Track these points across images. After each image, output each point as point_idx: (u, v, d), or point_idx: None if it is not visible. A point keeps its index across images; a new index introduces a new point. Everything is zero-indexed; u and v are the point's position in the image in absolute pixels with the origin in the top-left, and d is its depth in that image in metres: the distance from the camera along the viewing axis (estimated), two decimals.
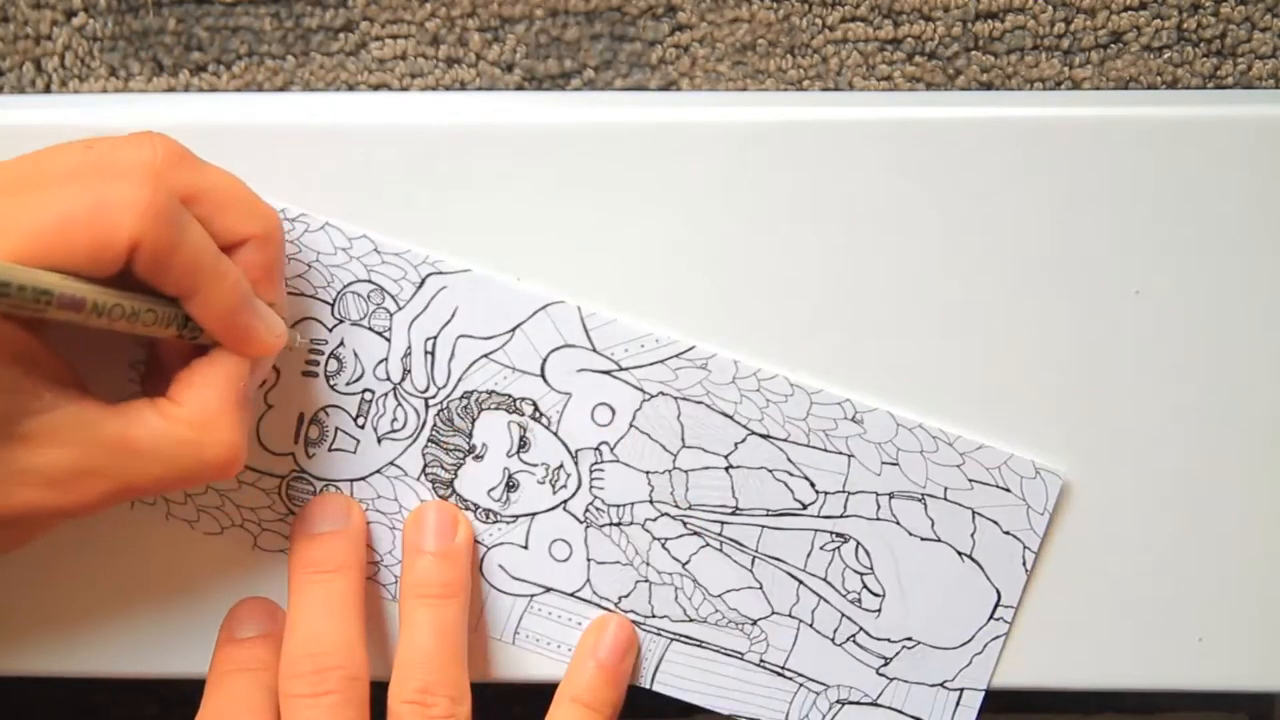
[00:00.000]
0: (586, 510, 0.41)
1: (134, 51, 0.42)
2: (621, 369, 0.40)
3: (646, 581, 0.41)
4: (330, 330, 0.40)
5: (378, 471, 0.41)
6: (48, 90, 0.43)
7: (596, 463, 0.41)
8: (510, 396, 0.40)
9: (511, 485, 0.41)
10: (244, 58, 0.42)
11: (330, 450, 0.40)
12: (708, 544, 0.41)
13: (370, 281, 0.40)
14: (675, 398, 0.40)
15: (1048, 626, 0.42)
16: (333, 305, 0.40)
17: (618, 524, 0.41)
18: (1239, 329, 0.40)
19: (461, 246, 0.40)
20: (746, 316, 0.40)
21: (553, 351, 0.40)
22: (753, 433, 0.40)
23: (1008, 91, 0.42)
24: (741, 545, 0.41)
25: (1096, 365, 0.40)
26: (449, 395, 0.40)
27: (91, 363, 0.36)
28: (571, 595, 0.41)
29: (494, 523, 0.41)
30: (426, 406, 0.40)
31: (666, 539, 0.41)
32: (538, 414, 0.40)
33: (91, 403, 0.34)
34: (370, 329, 0.40)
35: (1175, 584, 0.41)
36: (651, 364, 0.40)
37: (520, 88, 0.42)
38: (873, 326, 0.40)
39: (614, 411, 0.40)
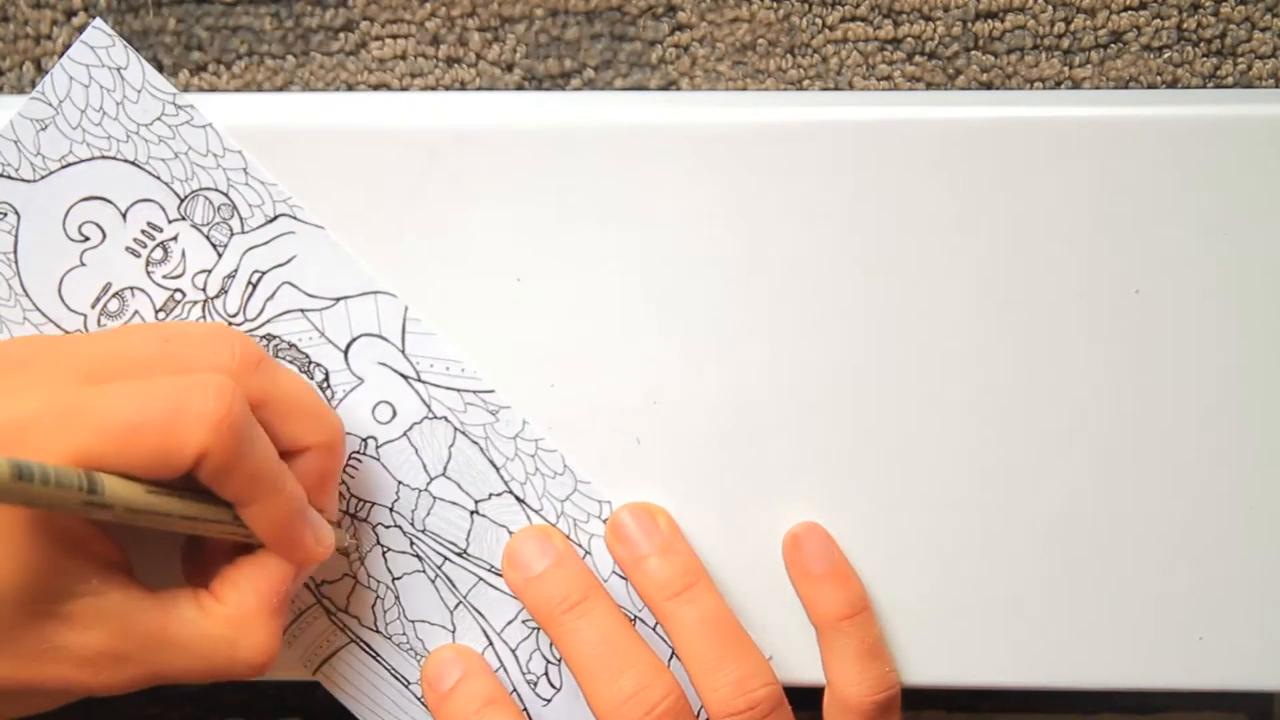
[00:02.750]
0: None
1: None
2: (419, 379, 0.40)
3: (354, 578, 0.41)
4: (170, 223, 0.40)
5: None
6: None
7: (357, 452, 0.41)
8: (307, 357, 0.40)
9: None
10: (244, 58, 0.42)
11: None
12: (424, 571, 0.41)
13: (226, 195, 0.40)
14: (455, 428, 0.41)
15: (1047, 626, 0.42)
16: (182, 201, 0.40)
17: (351, 515, 0.41)
18: (1239, 329, 0.40)
19: (460, 245, 0.40)
20: (745, 315, 0.40)
21: (364, 335, 0.40)
22: (510, 491, 0.41)
23: (1008, 91, 0.42)
24: (454, 586, 0.41)
25: (1096, 364, 0.40)
26: (252, 329, 0.40)
27: (144, 540, 0.37)
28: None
29: None
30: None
31: (389, 549, 0.41)
32: (325, 384, 0.40)
33: (135, 590, 0.35)
34: (207, 238, 0.40)
35: (1175, 583, 0.41)
36: (448, 388, 0.41)
37: (520, 88, 0.42)
38: (872, 325, 0.40)
39: (395, 414, 0.41)
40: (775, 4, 0.42)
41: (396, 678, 0.42)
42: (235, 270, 0.40)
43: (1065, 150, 0.39)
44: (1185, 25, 0.42)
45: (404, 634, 0.42)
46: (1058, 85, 0.42)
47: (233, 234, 0.40)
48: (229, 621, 0.35)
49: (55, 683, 0.34)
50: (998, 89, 0.42)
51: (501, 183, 0.40)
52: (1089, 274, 0.40)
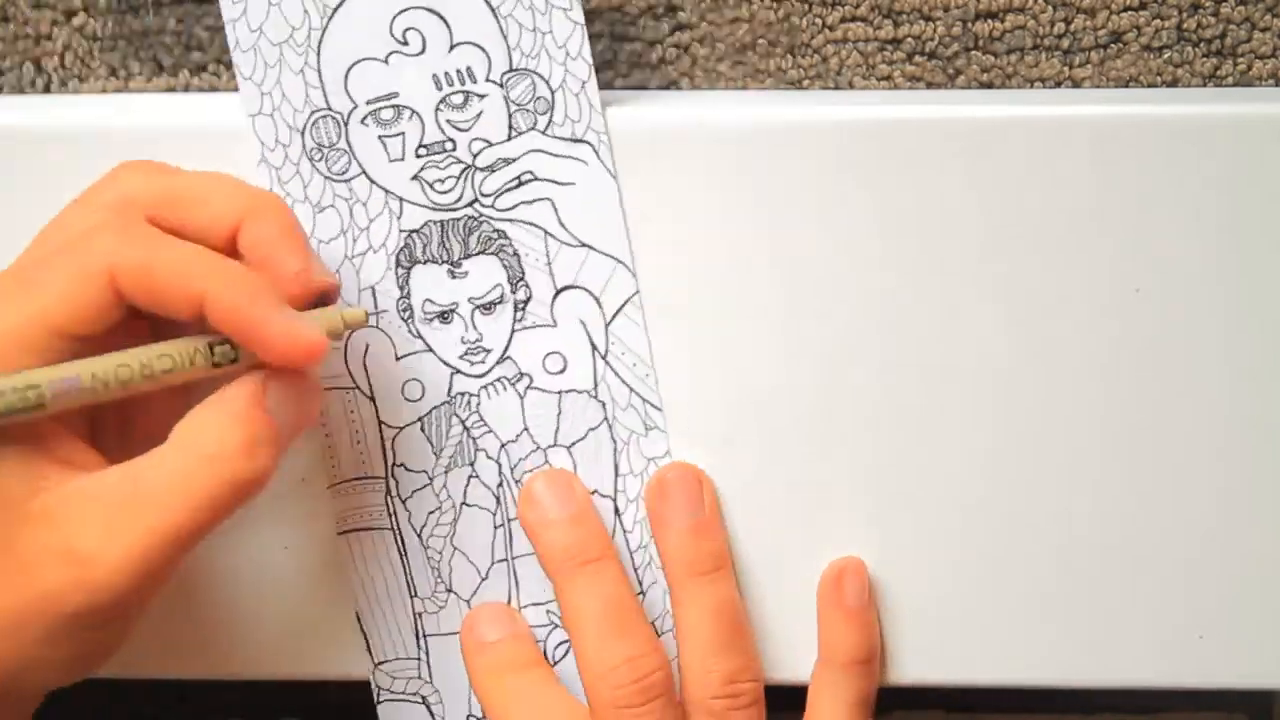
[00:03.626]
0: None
1: (134, 51, 0.42)
2: (604, 357, 0.40)
3: (429, 480, 0.41)
4: (486, 80, 0.39)
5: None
6: (48, 90, 0.43)
7: (507, 378, 0.40)
8: (521, 272, 0.40)
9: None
10: None
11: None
12: (494, 515, 0.41)
13: (552, 93, 0.39)
14: (607, 418, 0.41)
15: (1047, 625, 0.42)
16: (510, 71, 0.39)
17: (466, 428, 0.41)
18: (1239, 328, 0.40)
19: None
20: (743, 315, 0.40)
21: (584, 289, 0.40)
22: (614, 501, 0.41)
23: (1008, 91, 0.42)
24: (510, 544, 0.41)
25: (1094, 364, 0.40)
26: (490, 217, 0.40)
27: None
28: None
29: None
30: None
31: (477, 476, 0.41)
32: (520, 305, 0.40)
33: (105, 469, 0.33)
34: (510, 116, 0.39)
35: (1175, 583, 0.41)
36: (623, 381, 0.41)
37: None
38: (871, 325, 0.40)
39: (563, 370, 0.41)
40: (775, 4, 0.42)
41: (408, 582, 0.41)
42: (514, 160, 0.39)
43: (1065, 150, 0.39)
44: (1185, 25, 0.42)
45: (439, 553, 0.41)
46: (1058, 85, 0.42)
47: (533, 128, 0.39)
48: (198, 444, 0.33)
49: (62, 584, 0.32)
50: (998, 89, 0.42)
51: None
52: (1089, 273, 0.40)
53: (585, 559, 0.40)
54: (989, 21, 0.42)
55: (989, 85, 0.42)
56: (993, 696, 0.48)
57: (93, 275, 0.33)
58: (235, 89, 0.42)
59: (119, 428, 0.36)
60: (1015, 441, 0.41)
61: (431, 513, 0.41)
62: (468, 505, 0.41)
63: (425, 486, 0.41)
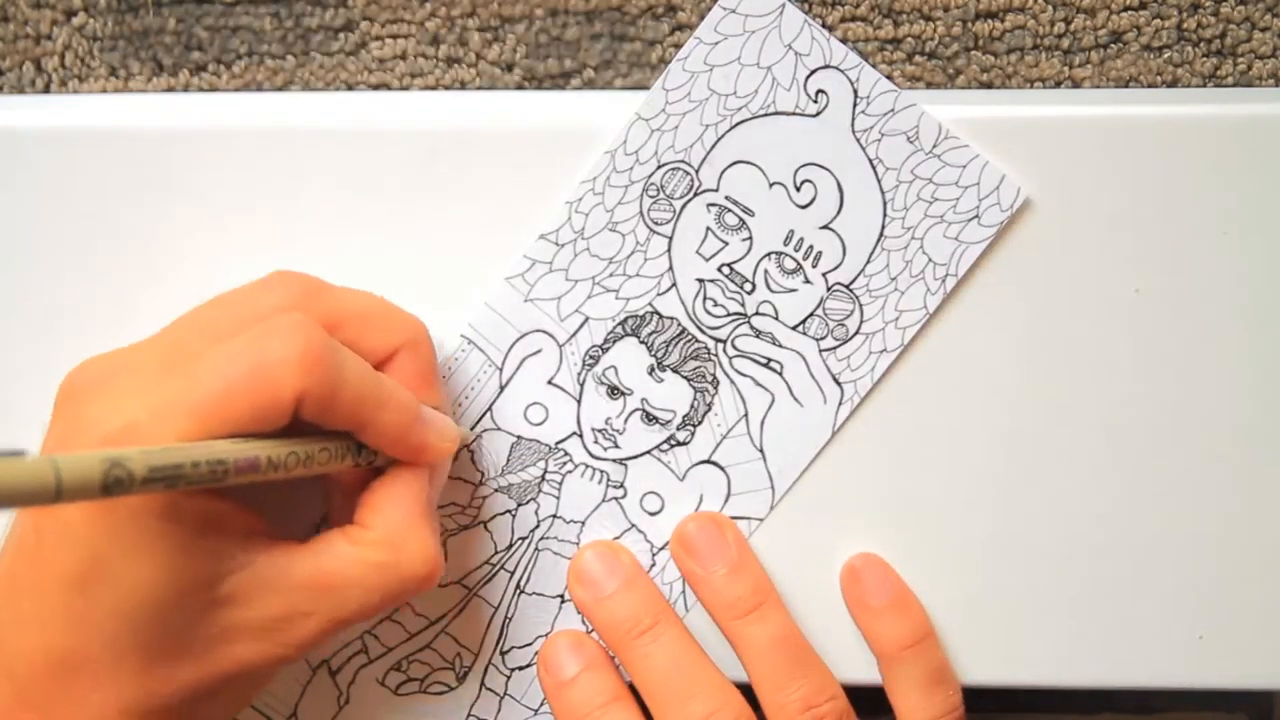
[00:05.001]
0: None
1: (134, 51, 0.42)
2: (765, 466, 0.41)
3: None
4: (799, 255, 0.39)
5: None
6: (47, 90, 0.43)
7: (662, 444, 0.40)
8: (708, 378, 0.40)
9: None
10: (244, 58, 0.42)
11: None
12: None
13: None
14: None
15: (1047, 626, 0.42)
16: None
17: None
18: (1238, 328, 0.40)
19: (462, 246, 0.40)
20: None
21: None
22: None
23: (1008, 91, 0.42)
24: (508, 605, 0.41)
25: (1093, 364, 0.40)
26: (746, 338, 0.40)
27: (280, 502, 0.37)
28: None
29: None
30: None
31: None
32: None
33: (283, 547, 0.35)
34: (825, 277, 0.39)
35: (1175, 582, 0.41)
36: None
37: (520, 87, 0.42)
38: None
39: (660, 509, 0.41)
40: None
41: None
42: (777, 345, 0.40)
43: (1065, 150, 0.39)
44: (1185, 25, 0.42)
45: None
46: (1058, 85, 0.42)
47: (815, 340, 0.39)
48: (383, 544, 0.35)
49: (240, 665, 0.34)
50: (998, 89, 0.42)
51: (501, 182, 0.40)
52: (1088, 273, 0.40)
53: (642, 628, 0.40)
54: (989, 21, 0.42)
55: (989, 85, 0.42)
56: (994, 696, 0.48)
57: (279, 406, 0.33)
58: (235, 89, 0.42)
59: None
60: (1014, 442, 0.41)
61: (453, 504, 0.41)
62: (485, 526, 0.41)
63: (475, 487, 0.41)
